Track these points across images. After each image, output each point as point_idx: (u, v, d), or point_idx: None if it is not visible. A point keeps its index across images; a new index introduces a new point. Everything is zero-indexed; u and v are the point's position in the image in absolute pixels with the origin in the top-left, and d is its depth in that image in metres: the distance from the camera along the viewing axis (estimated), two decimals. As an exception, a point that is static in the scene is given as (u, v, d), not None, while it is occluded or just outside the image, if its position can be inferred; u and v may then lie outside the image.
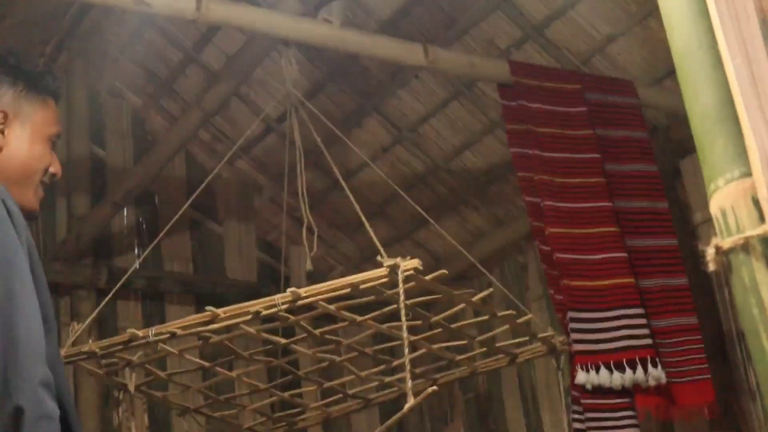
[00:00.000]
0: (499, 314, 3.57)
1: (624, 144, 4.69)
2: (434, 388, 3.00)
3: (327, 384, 4.06)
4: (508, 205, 6.28)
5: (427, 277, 3.09)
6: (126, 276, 4.36)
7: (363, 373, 3.76)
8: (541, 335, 3.89)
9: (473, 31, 5.41)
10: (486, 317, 3.57)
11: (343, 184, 4.06)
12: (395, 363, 3.77)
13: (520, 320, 3.60)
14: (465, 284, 6.31)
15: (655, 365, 4.16)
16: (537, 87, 4.58)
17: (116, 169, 6.19)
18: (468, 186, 6.30)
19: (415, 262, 2.99)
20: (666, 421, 5.17)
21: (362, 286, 3.07)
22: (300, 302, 3.19)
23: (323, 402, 4.33)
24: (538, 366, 6.02)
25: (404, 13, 5.38)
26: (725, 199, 1.79)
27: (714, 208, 1.80)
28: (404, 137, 6.18)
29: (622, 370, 4.14)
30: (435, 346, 3.67)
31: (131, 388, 3.73)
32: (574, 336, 4.16)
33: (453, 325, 3.57)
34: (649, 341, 4.23)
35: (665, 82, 5.20)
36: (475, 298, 3.37)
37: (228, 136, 6.45)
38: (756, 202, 1.74)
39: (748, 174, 1.76)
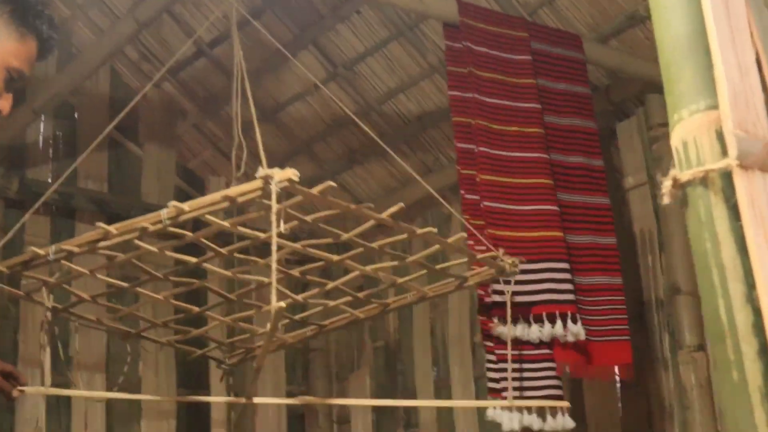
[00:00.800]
0: (419, 231, 3.35)
1: (565, 97, 4.69)
2: (280, 303, 2.75)
3: (266, 307, 3.90)
4: (437, 154, 6.26)
5: (313, 190, 2.92)
6: (48, 193, 4.18)
7: (300, 296, 3.64)
8: (486, 254, 3.70)
9: (420, -30, 5.34)
10: (405, 236, 3.38)
11: (254, 119, 3.90)
12: (329, 286, 3.65)
13: (451, 239, 3.43)
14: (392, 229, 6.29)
15: (575, 321, 4.18)
16: (483, 30, 4.54)
17: (37, 77, 6.02)
18: (399, 130, 6.25)
19: (290, 173, 2.77)
20: (575, 386, 5.23)
21: (240, 199, 2.93)
22: (183, 217, 3.07)
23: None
24: (452, 318, 6.02)
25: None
26: (688, 131, 1.77)
27: (675, 139, 1.78)
28: (339, 74, 6.10)
29: (541, 323, 4.15)
30: (369, 268, 3.55)
31: (48, 305, 3.62)
32: (496, 286, 4.15)
33: (374, 244, 3.41)
34: (571, 297, 4.24)
35: (611, 42, 5.20)
36: (385, 214, 3.21)
37: (157, 56, 6.31)
38: (719, 135, 1.72)
39: (714, 106, 1.74)
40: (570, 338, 4.17)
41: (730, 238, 1.68)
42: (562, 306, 4.20)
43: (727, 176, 1.69)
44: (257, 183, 2.79)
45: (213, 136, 6.67)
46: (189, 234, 3.22)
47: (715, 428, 4.66)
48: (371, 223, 3.20)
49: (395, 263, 3.59)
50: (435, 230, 3.34)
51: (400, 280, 3.66)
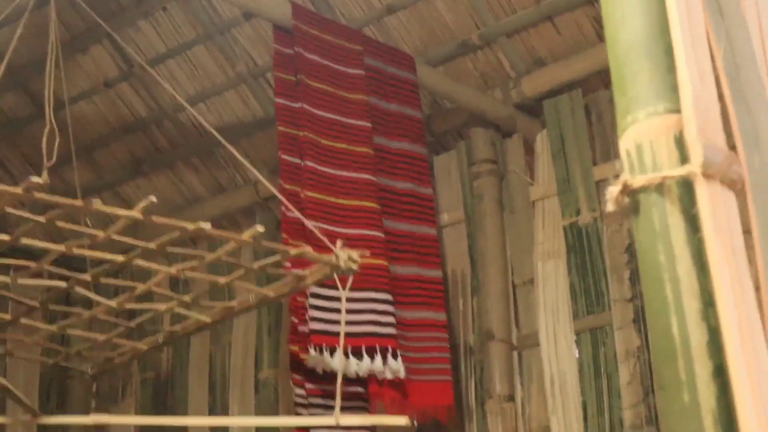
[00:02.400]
0: (191, 226, 3.05)
1: (396, 119, 4.68)
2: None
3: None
4: (233, 172, 6.14)
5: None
6: None
7: (113, 301, 3.45)
8: (298, 250, 3.46)
9: (241, -30, 5.26)
10: (177, 233, 3.16)
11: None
12: (139, 290, 3.43)
13: (246, 234, 3.20)
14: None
15: (395, 357, 4.15)
16: (317, 38, 4.49)
17: None
18: (193, 143, 6.10)
19: None
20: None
21: None
22: None
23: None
24: (235, 351, 5.88)
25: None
26: (643, 134, 1.75)
27: (627, 141, 1.76)
28: (134, 74, 5.91)
29: (359, 357, 4.09)
30: (174, 268, 3.36)
31: None
32: (313, 313, 4.07)
33: (152, 244, 3.19)
34: (392, 331, 4.20)
35: (438, 69, 5.23)
36: (136, 209, 2.99)
37: None
38: (678, 142, 1.71)
39: (674, 110, 1.73)
40: (389, 375, 4.13)
41: (686, 251, 1.66)
42: (383, 340, 4.15)
43: (686, 185, 1.67)
44: None
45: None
46: None
47: (519, 485, 4.70)
48: (123, 222, 3.06)
49: (194, 263, 3.43)
50: (209, 225, 3.14)
51: (221, 281, 3.51)
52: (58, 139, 3.99)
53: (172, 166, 6.25)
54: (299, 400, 4.20)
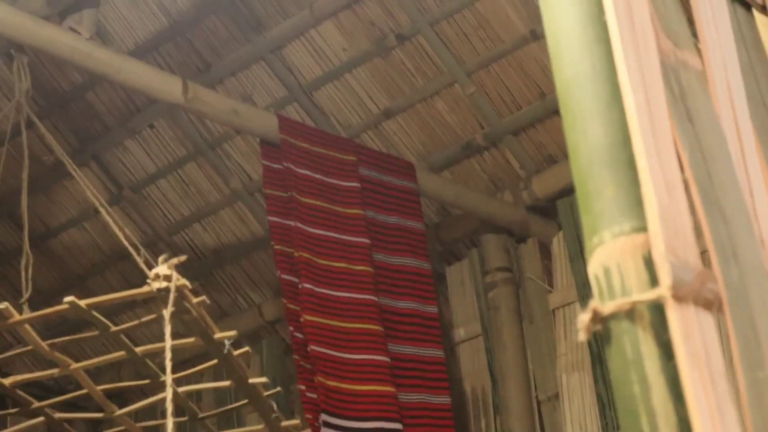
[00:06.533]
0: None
1: (396, 232, 4.69)
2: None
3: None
4: (235, 295, 6.14)
5: None
6: None
7: None
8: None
9: (229, 82, 5.33)
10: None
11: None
12: None
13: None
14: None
15: (406, 490, 4.12)
16: (306, 151, 4.52)
17: None
18: (191, 266, 6.12)
19: None
20: None
21: None
22: None
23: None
24: None
25: (154, 45, 5.26)
26: (610, 256, 1.73)
27: (595, 265, 1.74)
28: (124, 197, 5.96)
29: None
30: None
31: None
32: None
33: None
34: (404, 461, 4.18)
35: (443, 173, 5.25)
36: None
37: None
38: (648, 262, 1.69)
39: (641, 229, 1.72)
40: None
41: (661, 380, 1.64)
42: None
43: (657, 309, 1.65)
44: None
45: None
46: None
47: None
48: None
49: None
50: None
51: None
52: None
53: (170, 292, 6.26)
54: None
